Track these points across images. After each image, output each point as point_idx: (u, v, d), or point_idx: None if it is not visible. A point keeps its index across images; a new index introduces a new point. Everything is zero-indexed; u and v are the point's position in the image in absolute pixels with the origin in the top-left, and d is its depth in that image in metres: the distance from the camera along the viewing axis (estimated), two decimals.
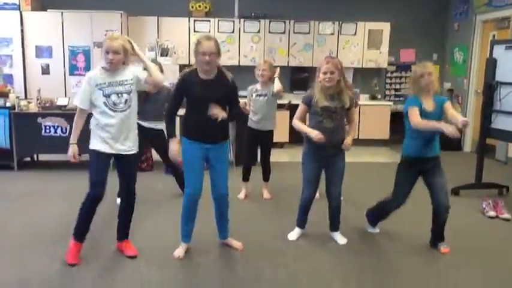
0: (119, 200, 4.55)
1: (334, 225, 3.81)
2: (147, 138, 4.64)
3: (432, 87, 3.43)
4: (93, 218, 3.28)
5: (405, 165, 3.61)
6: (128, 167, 3.35)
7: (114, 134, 3.19)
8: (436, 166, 3.54)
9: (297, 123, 3.59)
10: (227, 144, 3.48)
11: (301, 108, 3.62)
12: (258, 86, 4.71)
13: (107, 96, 3.16)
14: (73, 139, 3.27)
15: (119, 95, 3.18)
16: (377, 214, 3.88)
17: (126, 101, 3.21)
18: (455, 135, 3.13)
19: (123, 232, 3.47)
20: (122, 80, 3.20)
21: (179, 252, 3.41)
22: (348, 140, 3.55)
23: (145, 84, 3.31)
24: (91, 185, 3.20)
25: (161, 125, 4.72)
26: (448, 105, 3.48)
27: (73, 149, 3.27)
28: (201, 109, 3.22)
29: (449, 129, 3.13)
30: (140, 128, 4.56)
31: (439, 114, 3.47)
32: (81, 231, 3.29)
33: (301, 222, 3.83)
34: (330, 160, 3.59)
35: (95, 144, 3.22)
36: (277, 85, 4.64)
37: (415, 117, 3.38)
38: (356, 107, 4.53)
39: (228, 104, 3.36)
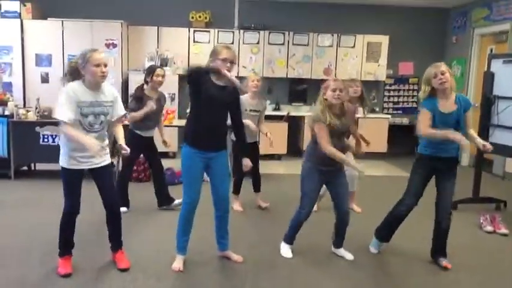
0: (123, 209, 4.56)
1: (340, 242, 3.74)
2: (141, 146, 4.62)
3: (448, 86, 3.34)
4: (74, 232, 3.28)
5: (419, 163, 3.56)
6: (105, 177, 3.26)
7: (84, 152, 3.08)
8: (449, 169, 3.49)
9: (333, 151, 3.35)
10: (226, 153, 3.51)
11: (323, 128, 3.35)
12: (250, 100, 4.70)
13: (84, 115, 3.05)
14: (87, 138, 3.01)
15: (96, 116, 3.11)
16: (389, 225, 3.70)
17: (101, 122, 3.15)
18: (464, 145, 3.21)
19: (115, 243, 3.43)
20: (102, 101, 3.13)
21: (178, 264, 3.39)
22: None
23: (113, 117, 3.25)
24: (66, 202, 3.18)
25: (153, 133, 4.73)
26: (469, 115, 3.44)
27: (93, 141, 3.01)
28: (210, 113, 3.23)
29: (460, 139, 3.17)
30: (137, 136, 4.56)
31: (459, 116, 3.38)
32: (66, 247, 3.28)
33: (291, 239, 3.74)
34: (331, 176, 3.56)
35: (65, 162, 3.13)
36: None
37: (422, 126, 3.35)
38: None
39: (232, 111, 3.41)
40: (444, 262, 3.57)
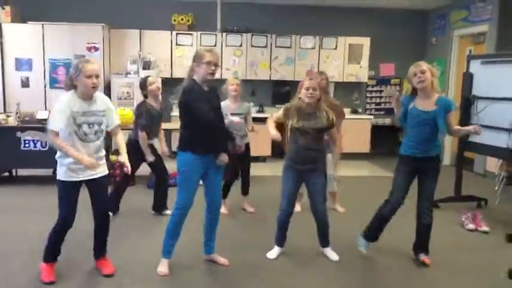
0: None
1: (324, 242, 3.77)
2: (142, 154, 4.56)
3: (427, 85, 3.39)
4: (63, 240, 3.23)
5: (401, 163, 3.62)
6: (100, 187, 3.23)
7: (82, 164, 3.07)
8: (430, 169, 3.55)
9: (269, 122, 3.66)
10: None
11: (280, 113, 3.65)
12: (230, 105, 4.70)
13: (79, 125, 3.04)
14: (78, 154, 3.02)
15: (90, 126, 3.09)
16: (375, 226, 3.71)
17: (96, 132, 3.14)
18: None
19: (100, 250, 3.40)
20: (95, 110, 3.12)
21: (164, 268, 3.37)
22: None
23: (108, 127, 3.25)
24: (61, 214, 3.12)
25: (153, 141, 4.75)
26: (450, 116, 3.48)
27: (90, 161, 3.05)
28: (205, 117, 3.23)
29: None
30: (137, 145, 4.50)
31: (436, 116, 3.41)
32: (52, 254, 3.23)
33: (280, 241, 3.77)
34: (307, 176, 3.60)
35: (62, 175, 3.09)
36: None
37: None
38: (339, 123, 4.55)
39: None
40: (423, 257, 3.62)
